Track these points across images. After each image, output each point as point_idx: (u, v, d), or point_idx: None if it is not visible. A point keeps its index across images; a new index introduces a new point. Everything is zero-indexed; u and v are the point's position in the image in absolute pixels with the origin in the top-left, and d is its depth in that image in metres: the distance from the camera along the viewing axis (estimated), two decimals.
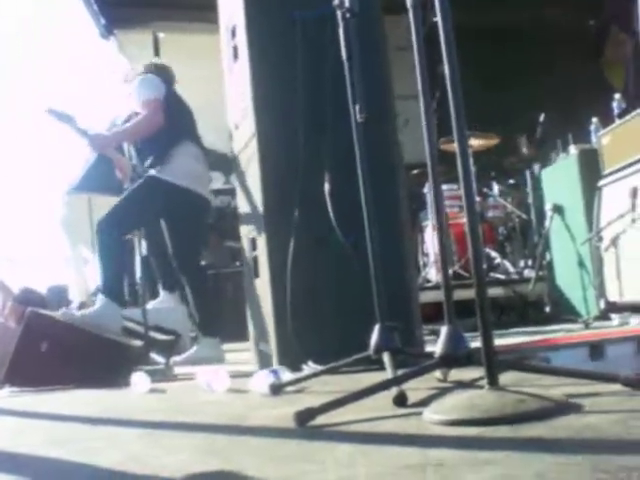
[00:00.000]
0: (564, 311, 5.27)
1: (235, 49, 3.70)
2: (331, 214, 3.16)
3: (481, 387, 1.80)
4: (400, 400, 1.96)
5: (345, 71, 2.58)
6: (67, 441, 2.07)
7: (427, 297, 5.11)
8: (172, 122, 4.54)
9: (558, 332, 4.19)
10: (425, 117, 2.00)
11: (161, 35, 8.26)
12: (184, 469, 1.49)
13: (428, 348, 3.20)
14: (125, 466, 1.58)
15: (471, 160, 6.46)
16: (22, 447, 2.02)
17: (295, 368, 2.97)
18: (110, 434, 2.18)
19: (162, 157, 4.54)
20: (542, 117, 6.18)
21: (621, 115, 4.80)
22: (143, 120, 4.54)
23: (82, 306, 5.64)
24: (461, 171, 1.81)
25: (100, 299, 4.40)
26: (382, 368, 2.43)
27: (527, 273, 5.93)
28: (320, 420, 1.83)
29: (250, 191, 3.66)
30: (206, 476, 1.44)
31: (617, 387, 1.83)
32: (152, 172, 4.57)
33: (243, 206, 3.86)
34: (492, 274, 6.03)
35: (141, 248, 5.10)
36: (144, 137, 4.59)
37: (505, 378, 1.83)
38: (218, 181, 7.16)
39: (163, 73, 4.87)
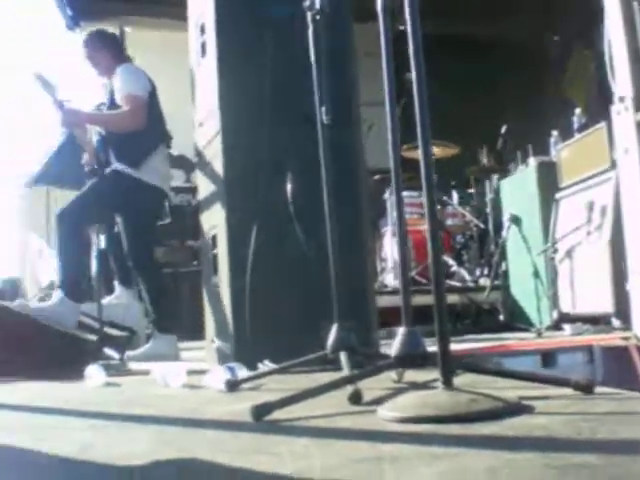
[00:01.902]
0: (517, 320, 5.34)
1: (203, 46, 3.70)
2: (292, 214, 3.18)
3: (435, 388, 1.84)
4: (355, 398, 1.98)
5: (312, 73, 2.60)
6: (18, 429, 2.06)
7: (383, 302, 5.13)
8: (152, 125, 4.45)
9: (511, 340, 4.25)
10: (390, 122, 2.02)
11: (128, 30, 8.22)
12: (138, 458, 1.50)
13: (383, 351, 3.23)
14: (78, 455, 1.58)
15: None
16: None
17: (251, 366, 2.97)
18: (63, 424, 2.17)
19: (139, 161, 4.44)
20: (504, 128, 6.27)
21: (580, 130, 4.90)
22: (125, 117, 4.41)
23: (41, 300, 5.57)
24: (424, 177, 1.84)
25: (57, 295, 4.34)
26: (337, 368, 2.45)
27: (482, 281, 6.00)
28: (276, 415, 1.85)
29: (213, 188, 3.66)
30: (161, 464, 1.45)
31: (568, 391, 1.88)
32: (118, 166, 4.50)
33: (205, 204, 3.86)
34: (448, 281, 6.09)
35: (99, 242, 5.07)
36: (117, 132, 4.51)
37: (459, 381, 1.87)
38: (179, 179, 7.14)
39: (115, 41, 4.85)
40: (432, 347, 1.87)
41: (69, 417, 2.31)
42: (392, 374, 2.36)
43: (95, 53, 4.75)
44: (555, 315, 4.72)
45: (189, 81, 4.12)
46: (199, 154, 3.94)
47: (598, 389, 1.92)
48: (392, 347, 1.93)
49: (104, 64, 4.72)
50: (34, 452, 1.65)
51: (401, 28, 1.94)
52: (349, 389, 2.02)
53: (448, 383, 1.76)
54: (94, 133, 4.76)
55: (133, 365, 4.02)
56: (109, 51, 4.74)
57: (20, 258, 10.43)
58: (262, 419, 1.83)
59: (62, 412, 2.39)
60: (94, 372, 3.25)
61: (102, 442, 1.76)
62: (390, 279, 6.19)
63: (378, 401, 1.97)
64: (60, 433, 1.95)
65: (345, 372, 2.30)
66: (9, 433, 1.94)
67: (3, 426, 2.13)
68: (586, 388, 1.88)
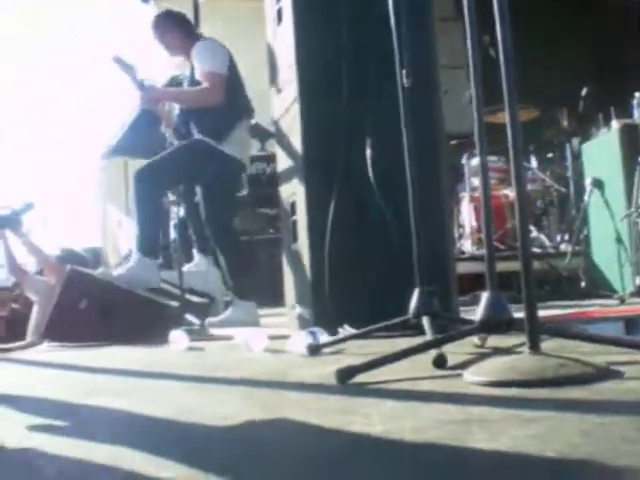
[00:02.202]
0: (599, 287, 5.24)
1: (279, 12, 3.70)
2: (372, 179, 3.17)
3: (521, 353, 1.82)
4: (440, 362, 1.98)
5: (392, 36, 2.57)
6: (114, 393, 2.12)
7: (461, 268, 5.09)
8: (233, 99, 4.48)
9: (593, 307, 4.18)
10: (474, 86, 1.99)
11: (202, 0, 8.26)
12: (233, 418, 1.53)
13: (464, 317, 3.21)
14: (176, 416, 1.62)
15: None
16: (68, 397, 2.05)
17: (331, 331, 2.99)
18: (155, 387, 2.24)
19: (221, 135, 4.47)
20: (584, 91, 6.11)
21: None
22: (203, 93, 4.45)
23: None
24: (511, 142, 1.81)
25: (134, 257, 4.43)
26: (417, 333, 2.45)
27: (563, 247, 5.90)
28: (360, 379, 1.86)
29: (291, 157, 3.68)
30: (253, 424, 1.48)
31: None
32: (200, 136, 4.54)
33: (284, 171, 3.88)
34: None
35: (179, 211, 5.15)
36: (195, 107, 4.57)
37: (544, 346, 1.85)
38: (254, 147, 7.19)
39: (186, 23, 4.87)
40: (515, 313, 1.86)
41: (163, 380, 2.38)
42: (474, 339, 2.35)
43: (164, 34, 4.77)
44: (638, 281, 4.61)
45: (264, 50, 4.13)
46: (276, 123, 3.96)
47: None
48: (476, 312, 1.91)
49: (175, 44, 4.75)
50: (142, 415, 1.70)
51: None
52: (432, 354, 2.02)
53: (535, 347, 1.74)
54: (174, 108, 4.81)
55: (214, 330, 4.10)
56: (179, 30, 4.75)
57: (101, 228, 10.70)
58: (347, 382, 1.85)
59: (153, 375, 2.46)
60: (178, 337, 3.33)
61: (197, 404, 1.81)
62: (468, 245, 6.14)
63: (462, 365, 1.97)
64: (159, 396, 2.01)
65: (428, 336, 2.30)
66: (116, 397, 2.00)
67: (110, 390, 2.20)
68: None
